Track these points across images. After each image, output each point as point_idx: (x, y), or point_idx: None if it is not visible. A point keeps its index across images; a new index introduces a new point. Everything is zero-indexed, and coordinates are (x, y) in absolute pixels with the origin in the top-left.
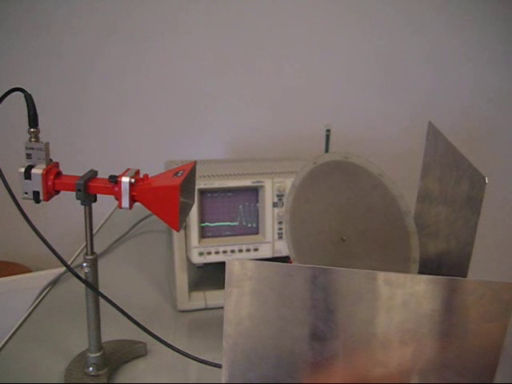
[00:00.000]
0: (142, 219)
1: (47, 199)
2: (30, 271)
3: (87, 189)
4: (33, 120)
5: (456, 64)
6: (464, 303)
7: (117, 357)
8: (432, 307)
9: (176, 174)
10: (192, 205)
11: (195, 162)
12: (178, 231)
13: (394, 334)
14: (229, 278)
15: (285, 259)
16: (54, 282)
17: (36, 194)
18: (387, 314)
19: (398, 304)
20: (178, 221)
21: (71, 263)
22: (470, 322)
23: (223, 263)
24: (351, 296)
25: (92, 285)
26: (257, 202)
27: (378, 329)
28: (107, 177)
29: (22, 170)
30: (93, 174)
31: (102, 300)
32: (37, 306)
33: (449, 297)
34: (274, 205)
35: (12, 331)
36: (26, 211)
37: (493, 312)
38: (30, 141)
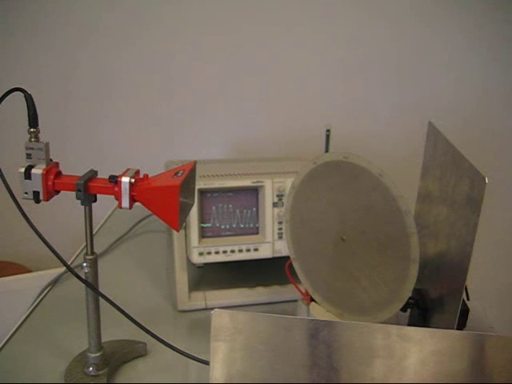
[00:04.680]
0: (142, 219)
1: (47, 199)
2: (29, 271)
3: (87, 189)
4: (33, 120)
5: (456, 64)
6: (494, 362)
7: (117, 357)
8: (456, 366)
9: (176, 174)
10: (192, 205)
11: (195, 162)
12: (178, 231)
13: None
14: (215, 331)
15: (285, 259)
16: (54, 282)
17: (36, 194)
18: (402, 375)
19: (416, 363)
20: (177, 221)
21: (71, 263)
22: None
23: (223, 263)
24: (360, 353)
25: (92, 285)
26: (257, 201)
27: None
28: (107, 177)
29: (22, 170)
30: (93, 174)
31: (102, 300)
32: (37, 306)
33: (476, 355)
34: (274, 205)
35: (12, 331)
36: (26, 211)
37: None
38: (30, 141)
